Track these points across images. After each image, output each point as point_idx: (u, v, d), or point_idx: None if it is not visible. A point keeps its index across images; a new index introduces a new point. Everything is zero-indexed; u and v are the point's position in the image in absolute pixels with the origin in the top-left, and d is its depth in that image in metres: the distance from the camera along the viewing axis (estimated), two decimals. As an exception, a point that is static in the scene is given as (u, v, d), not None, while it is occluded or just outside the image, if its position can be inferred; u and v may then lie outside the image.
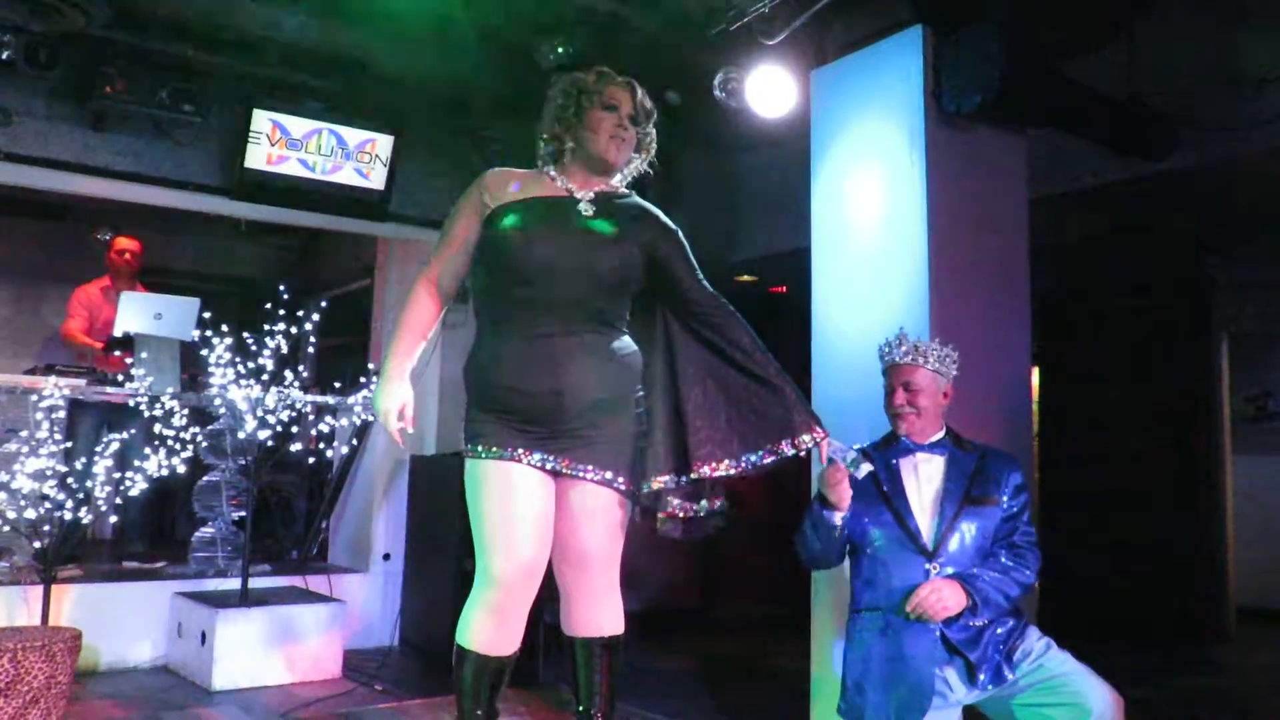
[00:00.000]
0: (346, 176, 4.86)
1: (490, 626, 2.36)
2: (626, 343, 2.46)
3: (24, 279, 7.00)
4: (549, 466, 2.35)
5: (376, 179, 4.93)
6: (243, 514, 4.56)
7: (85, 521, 3.98)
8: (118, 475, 3.93)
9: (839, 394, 3.35)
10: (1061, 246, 5.27)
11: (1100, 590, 5.54)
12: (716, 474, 2.40)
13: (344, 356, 6.72)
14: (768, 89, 3.77)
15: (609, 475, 2.38)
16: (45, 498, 3.69)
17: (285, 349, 4.35)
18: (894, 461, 2.60)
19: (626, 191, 2.55)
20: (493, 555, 2.32)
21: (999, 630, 2.47)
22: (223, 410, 4.43)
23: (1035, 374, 5.11)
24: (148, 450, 4.13)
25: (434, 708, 3.79)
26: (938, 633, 2.43)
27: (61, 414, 3.92)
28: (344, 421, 4.77)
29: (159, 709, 3.81)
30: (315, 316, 4.47)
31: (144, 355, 4.68)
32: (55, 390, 3.83)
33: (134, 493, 4.03)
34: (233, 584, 4.46)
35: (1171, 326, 6.01)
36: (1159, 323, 6.01)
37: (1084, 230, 5.31)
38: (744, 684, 4.59)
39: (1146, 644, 5.29)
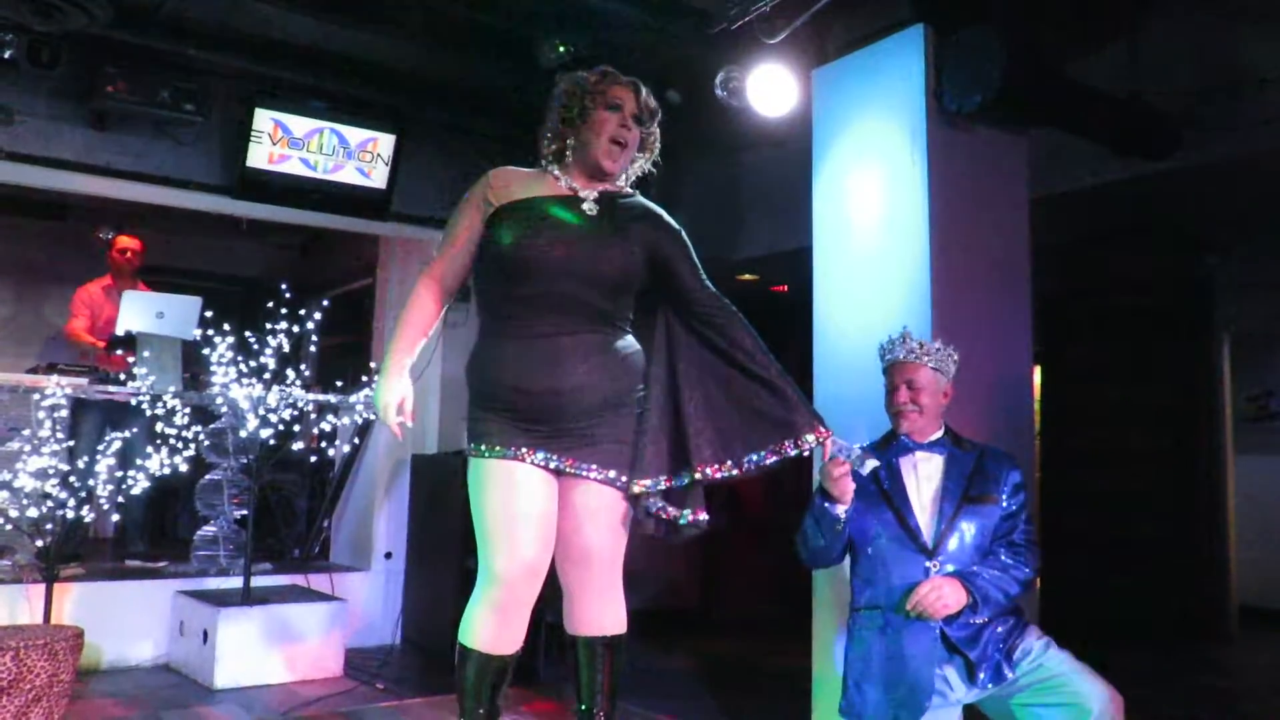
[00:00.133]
0: (348, 175, 4.86)
1: (493, 625, 2.37)
2: (629, 341, 2.47)
3: (26, 278, 7.00)
4: (552, 465, 2.36)
5: (378, 178, 4.93)
6: (244, 513, 4.56)
7: (87, 520, 4.00)
8: (120, 474, 3.93)
9: (840, 393, 3.35)
10: (1062, 246, 5.26)
11: (1100, 590, 5.53)
12: (719, 475, 2.38)
13: (345, 355, 6.71)
14: (769, 88, 3.78)
15: (612, 474, 2.38)
16: (47, 496, 3.69)
17: (287, 348, 4.36)
18: (894, 460, 2.61)
19: (630, 191, 2.55)
20: (495, 554, 2.33)
21: (999, 629, 2.48)
22: (224, 409, 4.44)
23: (1036, 373, 5.10)
24: (150, 449, 4.13)
25: (435, 706, 3.80)
26: (937, 631, 2.43)
27: (64, 413, 3.91)
28: (345, 420, 4.78)
29: (161, 707, 3.81)
30: (317, 315, 4.47)
31: (146, 354, 4.68)
32: (57, 389, 3.83)
33: (136, 491, 4.03)
34: (234, 582, 4.47)
35: (1172, 326, 5.99)
36: (1160, 323, 5.99)
37: (1084, 230, 5.31)
38: (745, 683, 4.59)
39: (1146, 644, 5.28)
